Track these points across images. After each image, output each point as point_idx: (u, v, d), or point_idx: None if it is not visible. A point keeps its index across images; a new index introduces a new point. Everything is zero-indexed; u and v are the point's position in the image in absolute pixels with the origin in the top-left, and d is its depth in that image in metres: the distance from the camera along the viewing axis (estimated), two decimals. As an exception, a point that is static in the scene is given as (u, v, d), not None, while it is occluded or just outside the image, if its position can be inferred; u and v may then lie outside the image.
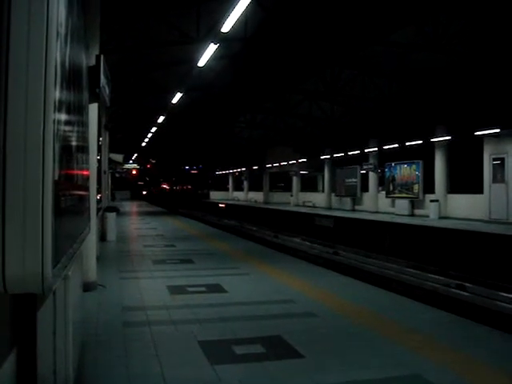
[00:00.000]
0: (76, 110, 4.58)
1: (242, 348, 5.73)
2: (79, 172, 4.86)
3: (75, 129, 4.51)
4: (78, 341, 4.98)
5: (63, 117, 3.44)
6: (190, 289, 9.09)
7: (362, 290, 9.42)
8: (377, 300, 8.45)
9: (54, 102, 2.91)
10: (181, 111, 34.45)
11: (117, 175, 49.95)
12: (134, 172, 66.13)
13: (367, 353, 5.65)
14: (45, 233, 2.74)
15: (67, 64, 3.60)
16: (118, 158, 39.06)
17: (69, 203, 3.81)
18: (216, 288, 9.19)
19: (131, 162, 60.83)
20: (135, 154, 61.20)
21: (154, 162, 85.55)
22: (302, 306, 7.92)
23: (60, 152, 3.19)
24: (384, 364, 5.29)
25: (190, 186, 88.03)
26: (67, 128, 3.75)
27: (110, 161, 29.51)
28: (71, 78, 3.99)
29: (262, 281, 10.07)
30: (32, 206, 2.69)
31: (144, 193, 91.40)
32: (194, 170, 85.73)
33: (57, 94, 3.01)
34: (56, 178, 2.95)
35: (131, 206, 49.46)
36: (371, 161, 33.26)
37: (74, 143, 4.30)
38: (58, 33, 2.95)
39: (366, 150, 33.21)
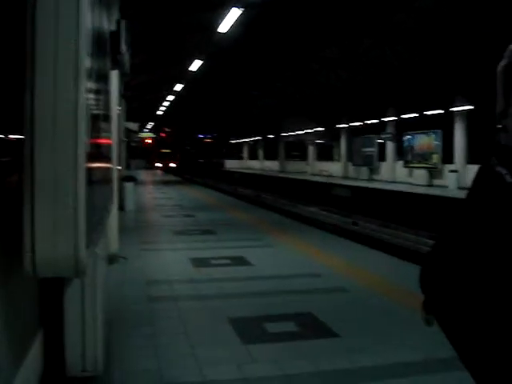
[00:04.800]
0: (102, 77, 4.29)
1: (274, 326, 5.48)
2: (105, 142, 4.58)
3: (102, 97, 4.22)
4: (105, 319, 4.75)
5: (93, 85, 3.14)
6: (214, 261, 8.85)
7: (388, 263, 9.14)
8: (405, 274, 8.13)
9: (86, 70, 2.60)
10: (197, 79, 34.01)
11: (132, 144, 49.65)
12: (149, 141, 65.80)
13: (406, 332, 5.36)
14: (78, 211, 2.44)
15: (95, 28, 3.28)
16: (134, 126, 38.78)
17: (99, 176, 3.53)
18: (241, 261, 8.94)
19: (146, 130, 60.55)
20: (150, 123, 60.88)
21: (167, 130, 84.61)
22: (331, 280, 7.66)
23: (91, 122, 2.90)
24: (426, 344, 4.99)
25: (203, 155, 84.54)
26: (96, 96, 3.45)
27: (126, 130, 29.25)
28: (98, 43, 3.69)
29: (286, 253, 9.82)
30: (64, 182, 2.39)
31: (173, 165, 76.37)
32: (208, 138, 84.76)
33: (88, 60, 2.70)
34: (88, 149, 2.66)
35: (145, 175, 49.33)
36: (389, 130, 32.78)
37: (101, 112, 4.01)
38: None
39: (383, 119, 32.70)
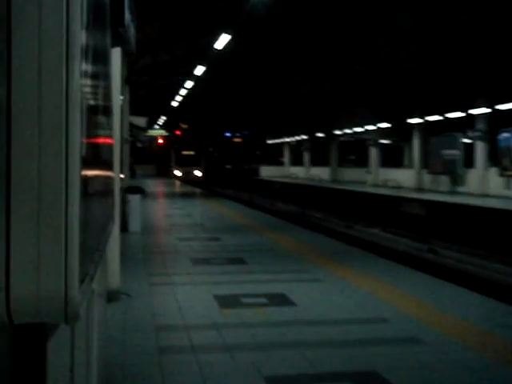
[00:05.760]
0: (100, 57, 4.32)
1: (327, 389, 5.45)
2: (105, 142, 4.60)
3: (100, 84, 4.25)
4: (101, 378, 4.76)
5: (89, 68, 3.14)
6: (246, 300, 8.88)
7: (478, 304, 9.01)
8: (503, 319, 8.02)
9: (81, 47, 2.60)
10: (223, 60, 34.25)
11: (139, 145, 50.14)
12: (160, 141, 66.34)
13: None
14: (70, 233, 2.44)
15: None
16: (141, 122, 38.92)
17: (96, 187, 3.54)
18: (280, 299, 8.94)
19: (157, 127, 61.12)
20: (163, 117, 61.43)
21: (185, 127, 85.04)
22: (400, 327, 7.59)
23: (86, 116, 2.90)
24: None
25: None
26: (92, 82, 3.46)
27: (131, 126, 29.55)
28: (95, 13, 3.70)
29: (340, 289, 9.81)
30: (52, 196, 2.39)
31: (198, 174, 74.65)
32: (238, 137, 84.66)
33: (83, 35, 2.70)
34: (83, 153, 2.66)
35: (155, 186, 49.79)
36: (479, 126, 32.50)
37: (99, 103, 4.03)
38: None
39: (471, 112, 32.45)
